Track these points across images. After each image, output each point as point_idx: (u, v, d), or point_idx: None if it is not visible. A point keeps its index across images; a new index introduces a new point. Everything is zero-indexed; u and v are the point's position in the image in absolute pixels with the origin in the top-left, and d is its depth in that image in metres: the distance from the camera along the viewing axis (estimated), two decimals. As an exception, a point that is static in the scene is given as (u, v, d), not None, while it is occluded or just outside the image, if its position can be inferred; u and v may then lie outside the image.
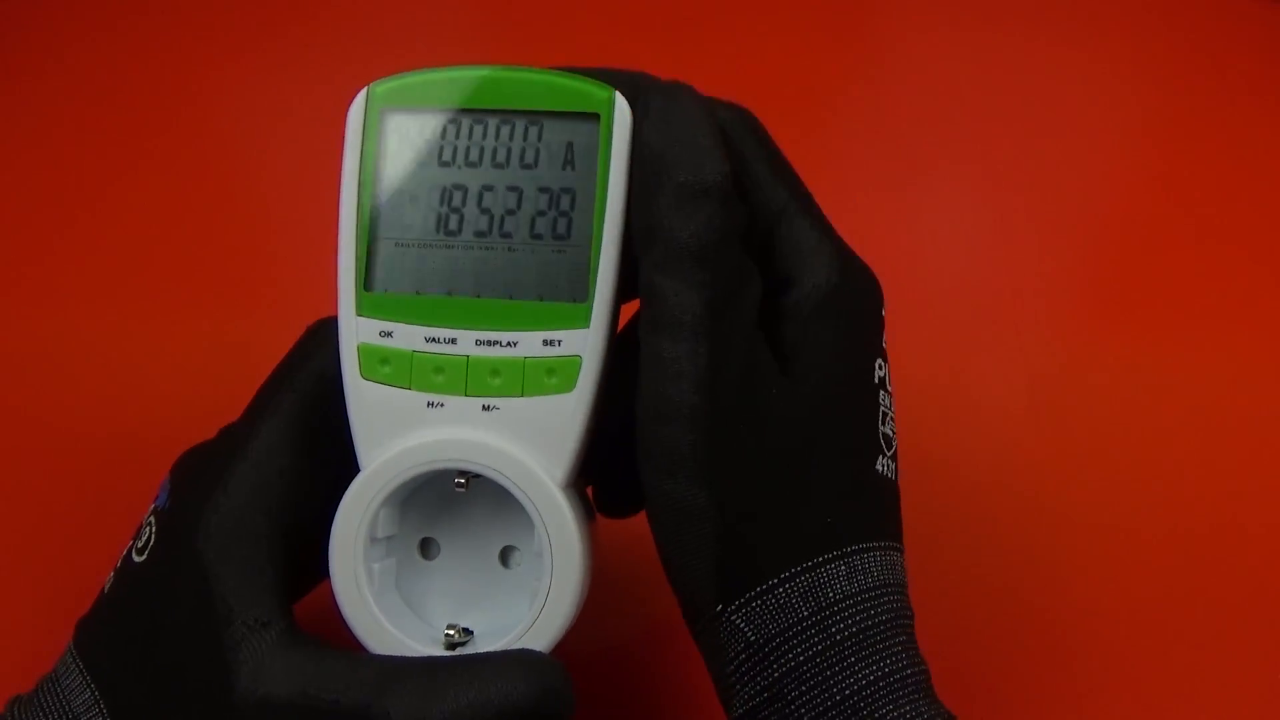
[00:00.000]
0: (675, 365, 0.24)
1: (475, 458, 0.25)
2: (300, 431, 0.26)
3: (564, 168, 0.25)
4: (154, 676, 0.25)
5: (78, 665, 0.26)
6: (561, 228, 0.25)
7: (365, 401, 0.25)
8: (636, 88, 0.25)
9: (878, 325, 0.28)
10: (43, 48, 0.53)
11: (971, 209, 0.47)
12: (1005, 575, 0.38)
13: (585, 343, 0.25)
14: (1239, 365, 0.43)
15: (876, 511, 0.26)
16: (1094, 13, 0.53)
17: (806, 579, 0.24)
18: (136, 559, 0.26)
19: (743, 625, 0.24)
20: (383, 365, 0.25)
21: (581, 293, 0.25)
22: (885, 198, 0.47)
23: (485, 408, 0.25)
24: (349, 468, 0.26)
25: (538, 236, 0.25)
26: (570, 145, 0.25)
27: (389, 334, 0.25)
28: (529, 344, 0.25)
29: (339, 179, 0.25)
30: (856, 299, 0.27)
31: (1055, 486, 0.40)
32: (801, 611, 0.24)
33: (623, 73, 0.26)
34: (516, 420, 0.25)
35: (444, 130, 0.25)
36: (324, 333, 0.27)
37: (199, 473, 0.27)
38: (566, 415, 0.25)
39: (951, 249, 0.46)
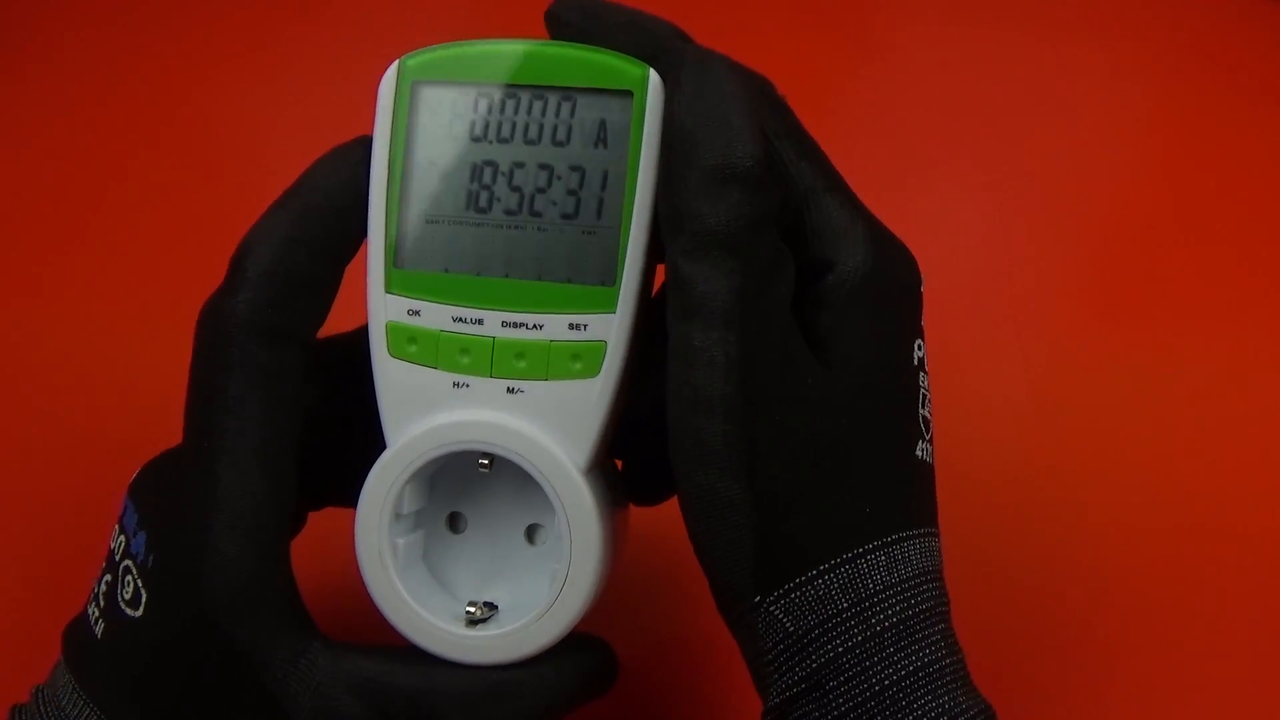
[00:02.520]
0: (706, 354, 0.23)
1: (498, 440, 0.25)
2: (261, 451, 0.25)
3: (596, 146, 0.24)
4: None
5: (97, 717, 0.26)
6: (591, 208, 0.25)
7: (392, 380, 0.25)
8: (670, 55, 0.24)
9: (916, 305, 0.27)
10: (42, 48, 0.54)
11: (971, 208, 0.47)
12: (1005, 575, 0.38)
13: (611, 328, 0.24)
14: (1240, 364, 0.42)
15: (916, 498, 0.25)
16: (1094, 12, 0.52)
17: (847, 570, 0.24)
18: (130, 612, 0.26)
19: (781, 616, 0.24)
20: (410, 344, 0.25)
21: (610, 276, 0.24)
22: (885, 197, 0.46)
23: (510, 390, 0.25)
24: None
25: (567, 217, 0.25)
26: (603, 123, 0.24)
27: (417, 312, 0.25)
28: (555, 327, 0.25)
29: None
30: (893, 281, 0.26)
31: (1055, 486, 0.40)
32: (841, 603, 0.24)
33: (660, 27, 0.25)
34: (540, 404, 0.25)
35: (476, 104, 0.25)
36: (219, 329, 0.25)
37: (172, 521, 0.26)
38: (591, 401, 0.25)
39: (951, 248, 0.46)
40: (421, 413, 0.25)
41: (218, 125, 0.51)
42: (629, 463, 0.29)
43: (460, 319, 0.25)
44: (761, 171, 0.23)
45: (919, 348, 0.26)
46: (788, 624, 0.24)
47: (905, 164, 0.48)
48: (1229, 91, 0.50)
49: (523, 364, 0.25)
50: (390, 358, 0.25)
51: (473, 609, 0.26)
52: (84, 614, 0.27)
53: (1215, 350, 0.43)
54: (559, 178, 0.25)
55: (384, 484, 0.25)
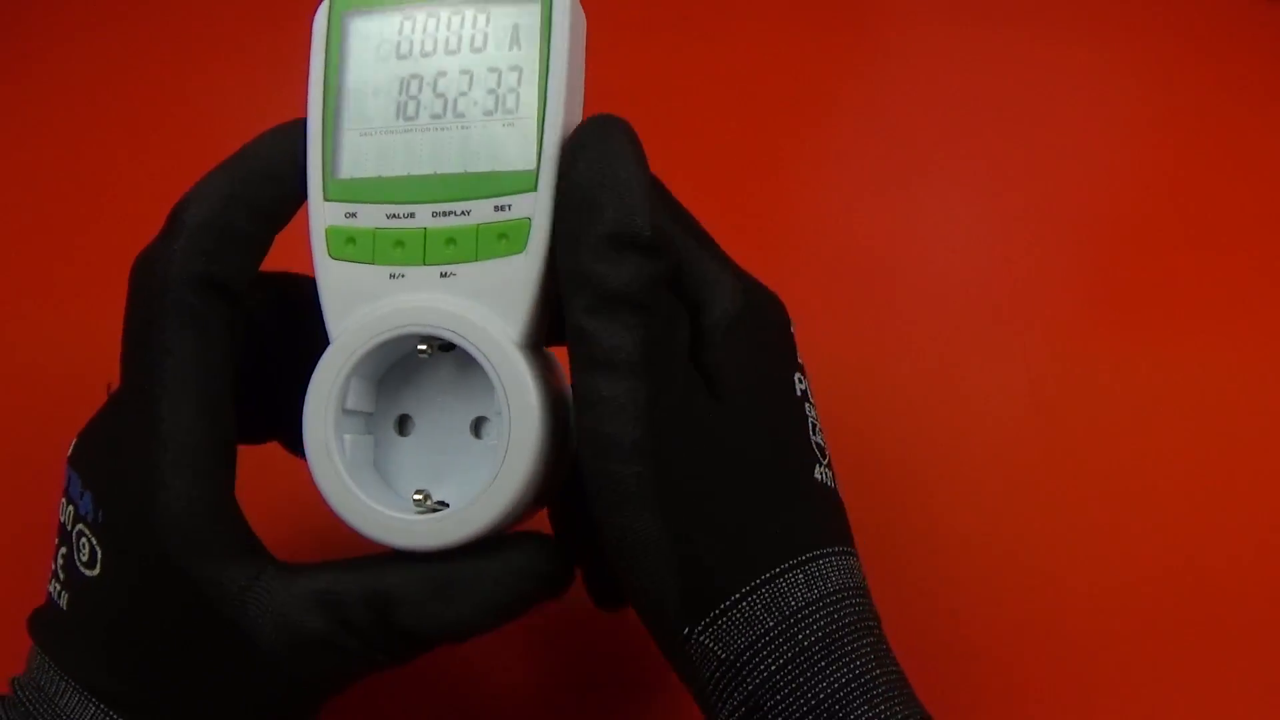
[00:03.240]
0: (615, 403, 0.24)
1: (433, 321, 0.26)
2: (200, 390, 0.26)
3: (510, 48, 0.27)
4: (173, 682, 0.26)
5: (74, 687, 0.26)
6: (510, 102, 0.26)
7: (333, 280, 0.27)
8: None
9: (789, 342, 0.29)
10: (42, 48, 0.56)
11: (971, 208, 0.48)
12: (1005, 574, 0.38)
13: (534, 205, 0.26)
14: (1240, 364, 0.43)
15: (823, 518, 0.27)
16: (1094, 12, 0.53)
17: (767, 591, 0.25)
18: (88, 573, 0.26)
19: (711, 644, 0.25)
20: (348, 244, 0.27)
21: (529, 159, 0.26)
22: (885, 197, 0.48)
23: (443, 275, 0.26)
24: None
25: (488, 113, 0.27)
26: (516, 27, 0.27)
27: (353, 215, 0.27)
28: (481, 211, 0.26)
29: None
30: (764, 319, 0.28)
31: (1056, 485, 0.40)
32: (767, 623, 0.25)
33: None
34: (472, 284, 0.26)
35: (400, 27, 0.27)
36: (154, 275, 0.26)
37: (118, 471, 0.26)
38: (519, 275, 0.26)
39: (952, 248, 0.46)
40: (361, 306, 0.26)
41: (217, 125, 0.52)
42: (589, 571, 0.30)
43: (394, 215, 0.26)
44: (657, 238, 0.25)
45: (800, 380, 0.29)
46: (719, 651, 0.25)
47: (905, 164, 0.49)
48: (1229, 91, 0.51)
49: (453, 249, 0.26)
50: (330, 259, 0.27)
51: (419, 496, 0.26)
52: (48, 595, 0.28)
53: (1215, 350, 0.43)
54: (479, 80, 0.27)
55: (328, 377, 0.26)
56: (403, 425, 0.28)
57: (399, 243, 0.26)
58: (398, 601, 0.25)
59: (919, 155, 0.49)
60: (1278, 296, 0.45)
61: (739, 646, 0.25)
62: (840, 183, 0.49)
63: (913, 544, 0.39)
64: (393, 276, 0.26)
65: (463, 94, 0.27)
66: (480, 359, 0.25)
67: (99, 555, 0.26)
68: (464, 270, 0.26)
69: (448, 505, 0.26)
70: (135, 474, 0.25)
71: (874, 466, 0.40)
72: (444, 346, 0.27)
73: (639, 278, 0.24)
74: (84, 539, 0.26)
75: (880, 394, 0.42)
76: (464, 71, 0.27)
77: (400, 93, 0.27)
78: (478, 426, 0.28)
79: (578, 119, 0.27)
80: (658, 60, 0.52)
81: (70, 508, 0.27)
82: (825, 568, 0.26)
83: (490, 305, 0.26)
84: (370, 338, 0.26)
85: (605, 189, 0.24)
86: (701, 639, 0.25)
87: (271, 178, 0.27)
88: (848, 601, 0.26)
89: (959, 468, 0.40)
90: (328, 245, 0.27)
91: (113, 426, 0.27)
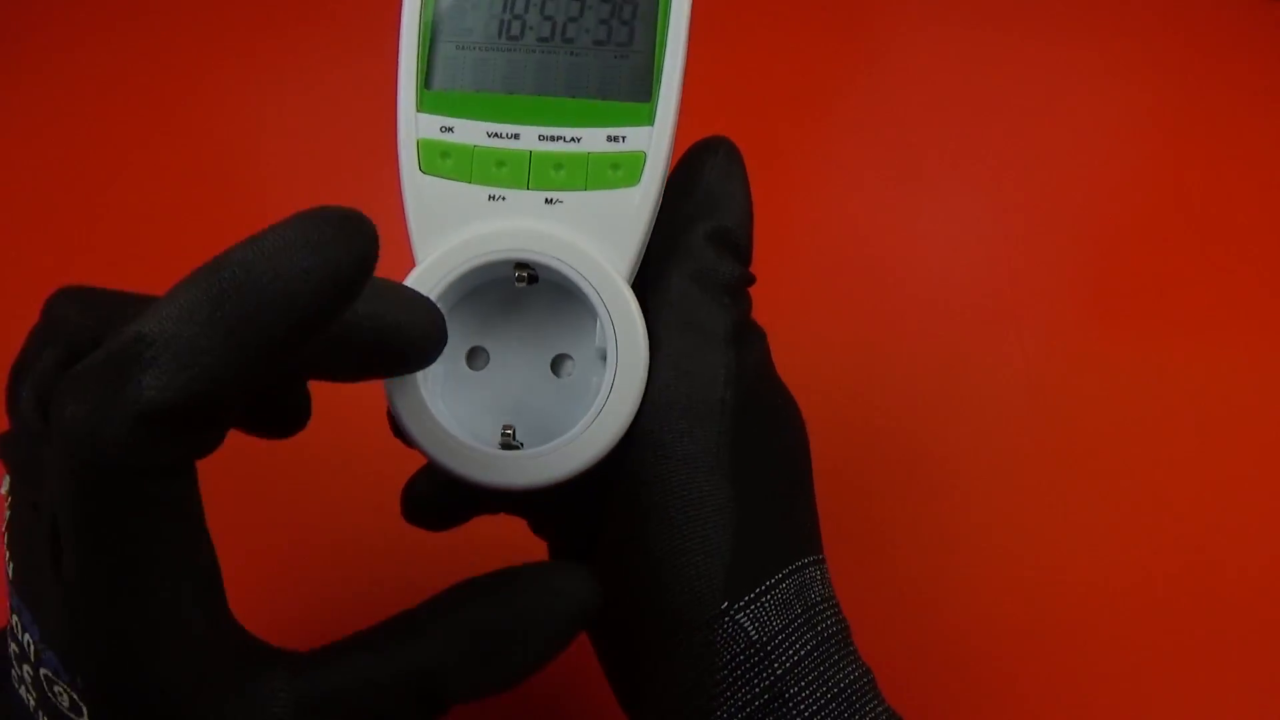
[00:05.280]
0: (708, 366, 0.25)
1: (538, 247, 0.24)
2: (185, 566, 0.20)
3: None
4: None
5: None
6: (623, 35, 0.26)
7: (424, 196, 0.25)
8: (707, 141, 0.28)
9: None
10: (42, 48, 0.52)
11: (972, 208, 0.48)
12: (1005, 573, 0.38)
13: (650, 139, 0.25)
14: (1239, 363, 0.43)
15: (819, 526, 0.27)
16: (1094, 12, 0.54)
17: (798, 578, 0.25)
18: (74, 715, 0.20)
19: (746, 623, 0.24)
20: (443, 159, 0.25)
21: (645, 93, 0.25)
22: (886, 196, 0.48)
23: (548, 201, 0.25)
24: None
25: (600, 43, 0.26)
26: None
27: (450, 129, 0.25)
28: (593, 139, 0.25)
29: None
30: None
31: (1056, 484, 0.40)
32: (796, 609, 0.24)
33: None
34: (580, 213, 0.25)
35: None
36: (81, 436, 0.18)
37: (98, 655, 0.20)
38: (632, 209, 0.25)
39: (952, 248, 0.46)
40: (456, 226, 0.25)
41: (216, 125, 0.49)
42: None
43: (495, 134, 0.25)
44: (748, 252, 0.27)
45: None
46: (752, 632, 0.24)
47: (905, 164, 0.49)
48: (1229, 91, 0.51)
49: (562, 174, 0.25)
50: (422, 174, 0.25)
51: (509, 431, 0.24)
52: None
53: (1215, 349, 0.44)
54: (591, 7, 0.26)
55: None
56: (473, 358, 0.26)
57: (500, 163, 0.25)
58: (444, 677, 0.22)
59: (919, 155, 0.49)
60: (1277, 296, 0.45)
61: (773, 629, 0.24)
62: (841, 182, 0.49)
63: (913, 542, 0.39)
64: (492, 198, 0.25)
65: (572, 19, 0.26)
66: (590, 292, 0.24)
67: (85, 710, 0.20)
68: (572, 199, 0.25)
69: (521, 444, 0.25)
70: (128, 665, 0.20)
71: (873, 463, 0.40)
72: (534, 278, 0.25)
73: (734, 272, 0.26)
74: (60, 691, 0.21)
75: (880, 393, 0.42)
76: None
77: (504, 10, 0.26)
78: (557, 365, 0.26)
79: (683, 62, 0.26)
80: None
81: (23, 639, 0.21)
82: (825, 571, 0.26)
83: (598, 236, 0.25)
84: (468, 260, 0.24)
85: (727, 196, 0.26)
86: (738, 617, 0.24)
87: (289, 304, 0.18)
88: (838, 606, 0.26)
89: (958, 465, 0.41)
90: (419, 159, 0.25)
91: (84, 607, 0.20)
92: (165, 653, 0.20)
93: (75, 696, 0.21)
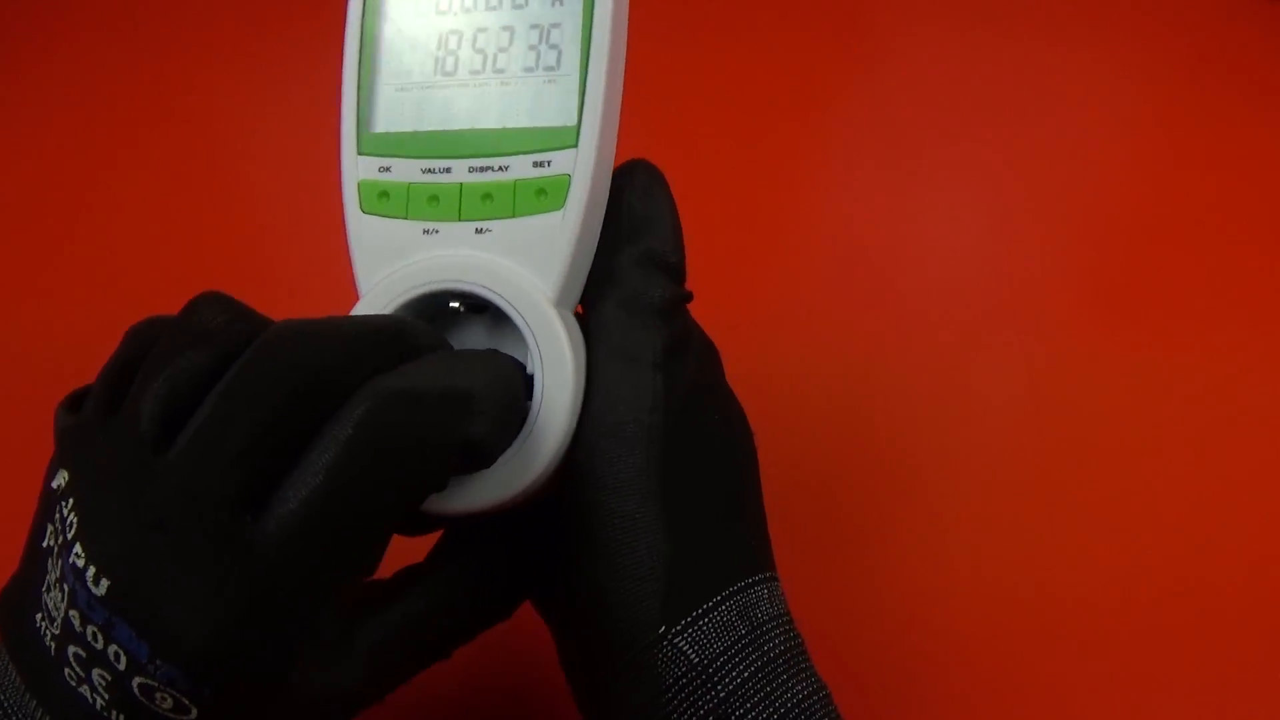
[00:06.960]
0: (634, 390, 0.25)
1: (467, 276, 0.25)
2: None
3: (553, 5, 0.26)
4: None
5: None
6: (550, 59, 0.26)
7: (364, 235, 0.26)
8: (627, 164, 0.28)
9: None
10: (42, 48, 0.56)
11: (972, 208, 0.48)
12: (1005, 573, 0.38)
13: (574, 161, 0.25)
14: (1240, 363, 0.43)
15: (768, 543, 0.27)
16: (1094, 13, 0.54)
17: (740, 599, 0.24)
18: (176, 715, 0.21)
19: (685, 647, 0.24)
20: (381, 199, 0.26)
21: (570, 115, 0.25)
22: (886, 197, 0.48)
23: (478, 230, 0.25)
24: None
25: (529, 69, 0.26)
26: None
27: (387, 169, 0.26)
28: (520, 166, 0.25)
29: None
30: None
31: (1056, 484, 0.40)
32: (740, 630, 0.24)
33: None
34: (508, 240, 0.25)
35: None
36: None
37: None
38: (556, 232, 0.25)
39: (952, 248, 0.46)
40: (394, 261, 0.26)
41: (215, 125, 0.52)
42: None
43: (429, 170, 0.26)
44: (682, 270, 0.27)
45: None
46: (692, 654, 0.24)
47: (906, 164, 0.49)
48: (1229, 91, 0.51)
49: (489, 204, 0.25)
50: (362, 214, 0.26)
51: None
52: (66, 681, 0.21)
53: (1215, 348, 0.43)
54: (520, 36, 0.26)
55: None
56: None
57: (433, 198, 0.26)
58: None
59: (919, 155, 0.49)
60: (1277, 296, 0.45)
61: (714, 651, 0.24)
62: (841, 182, 0.49)
63: (913, 542, 0.38)
64: (426, 232, 0.26)
65: (503, 50, 0.26)
66: (515, 316, 0.25)
67: (193, 710, 0.21)
68: (500, 226, 0.25)
69: None
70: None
71: (872, 464, 0.40)
72: (475, 306, 0.26)
73: (665, 293, 0.26)
74: (163, 697, 0.21)
75: (880, 393, 0.42)
76: (505, 28, 0.26)
77: (439, 48, 0.26)
78: None
79: (620, 79, 0.26)
80: (658, 60, 0.52)
81: (106, 649, 0.21)
82: (775, 589, 0.26)
83: (525, 261, 0.25)
84: (402, 293, 0.25)
85: (650, 218, 0.26)
86: (676, 641, 0.24)
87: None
88: (791, 623, 0.25)
89: (958, 465, 0.40)
90: (360, 200, 0.26)
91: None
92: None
93: (186, 700, 0.20)
